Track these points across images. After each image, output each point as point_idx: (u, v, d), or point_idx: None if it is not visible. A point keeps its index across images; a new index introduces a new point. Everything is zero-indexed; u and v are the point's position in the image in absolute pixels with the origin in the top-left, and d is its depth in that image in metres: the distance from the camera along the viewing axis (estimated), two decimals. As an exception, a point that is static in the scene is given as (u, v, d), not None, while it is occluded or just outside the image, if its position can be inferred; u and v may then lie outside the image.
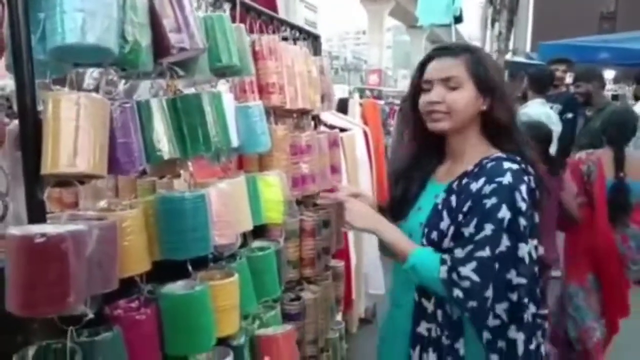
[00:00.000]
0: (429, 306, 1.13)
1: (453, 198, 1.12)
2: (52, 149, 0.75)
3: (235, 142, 1.12)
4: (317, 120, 1.87)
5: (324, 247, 1.59)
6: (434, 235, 1.12)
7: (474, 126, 1.17)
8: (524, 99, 4.52)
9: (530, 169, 1.10)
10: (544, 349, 1.09)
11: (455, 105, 1.12)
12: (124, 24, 0.84)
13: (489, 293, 1.02)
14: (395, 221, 1.23)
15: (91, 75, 0.98)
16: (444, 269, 1.06)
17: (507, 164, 1.08)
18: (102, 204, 0.99)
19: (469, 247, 1.04)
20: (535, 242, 1.07)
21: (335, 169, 1.77)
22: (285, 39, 1.60)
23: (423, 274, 1.10)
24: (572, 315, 2.64)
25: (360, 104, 3.43)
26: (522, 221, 1.04)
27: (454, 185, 1.14)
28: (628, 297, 2.59)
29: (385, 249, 1.29)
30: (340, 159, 1.94)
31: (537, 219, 1.09)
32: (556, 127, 3.76)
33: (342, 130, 2.53)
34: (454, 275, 1.04)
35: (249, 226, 1.17)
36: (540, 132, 2.92)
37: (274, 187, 1.25)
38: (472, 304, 1.03)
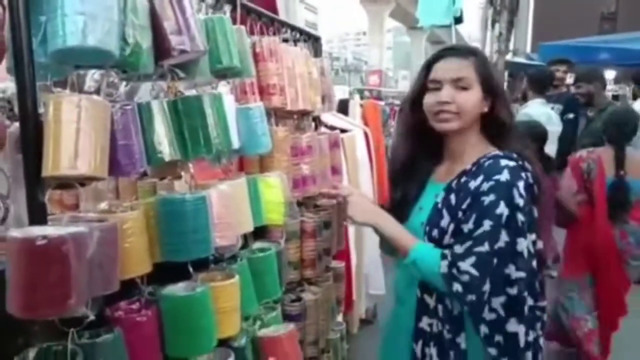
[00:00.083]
0: (431, 302, 1.15)
1: (452, 196, 1.14)
2: (53, 151, 0.75)
3: (236, 143, 1.12)
4: (317, 121, 1.87)
5: (324, 248, 1.59)
6: (435, 233, 1.14)
7: (474, 127, 1.18)
8: (524, 99, 4.52)
9: (527, 166, 1.12)
10: (541, 341, 1.11)
11: (465, 106, 1.13)
12: (124, 27, 0.84)
13: (487, 287, 1.05)
14: (399, 221, 1.23)
15: (92, 77, 0.98)
16: (444, 263, 1.08)
17: (504, 162, 1.10)
18: (103, 205, 0.99)
19: (468, 243, 1.07)
20: (534, 236, 1.09)
21: (336, 170, 1.77)
22: (285, 40, 1.60)
23: (424, 268, 1.12)
24: (565, 307, 2.70)
25: (361, 105, 3.43)
26: (520, 217, 1.06)
27: (453, 184, 1.15)
28: (625, 296, 2.60)
29: (386, 246, 1.32)
30: (341, 160, 1.94)
31: (535, 213, 1.11)
32: (557, 128, 3.77)
33: (343, 131, 2.53)
34: (454, 270, 1.06)
35: (249, 228, 1.17)
36: (535, 131, 2.98)
37: (274, 189, 1.25)
38: (471, 297, 1.05)
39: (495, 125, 1.17)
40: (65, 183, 0.80)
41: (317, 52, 1.86)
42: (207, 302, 0.97)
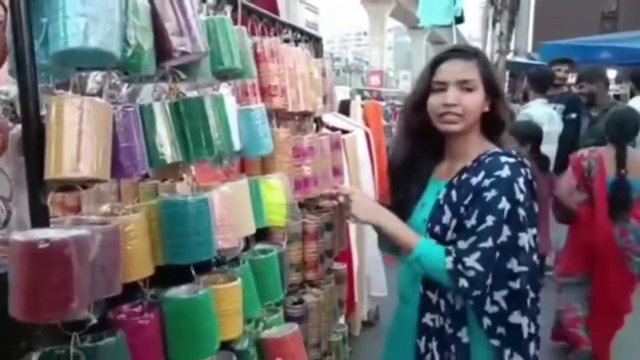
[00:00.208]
0: (434, 297, 1.17)
1: (453, 193, 1.15)
2: (55, 153, 0.75)
3: (237, 145, 1.12)
4: (319, 122, 1.86)
5: (326, 250, 1.59)
6: (437, 229, 1.15)
7: (475, 126, 1.20)
8: (525, 99, 4.51)
9: (526, 162, 1.15)
10: (539, 333, 1.15)
11: (470, 108, 1.15)
12: (126, 28, 0.84)
13: (490, 281, 1.08)
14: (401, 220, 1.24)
15: (94, 79, 0.98)
16: (449, 259, 1.09)
17: (504, 158, 1.12)
18: (105, 208, 0.99)
19: (472, 239, 1.08)
20: (534, 231, 1.12)
21: (337, 171, 1.77)
22: (287, 41, 1.60)
23: (428, 265, 1.13)
24: (561, 293, 2.79)
25: (362, 106, 3.42)
26: (521, 212, 1.08)
27: (454, 181, 1.17)
28: (631, 293, 2.62)
29: (384, 244, 1.34)
30: (342, 161, 1.94)
31: (536, 209, 1.14)
32: (557, 128, 3.77)
33: (344, 132, 2.53)
34: (459, 266, 1.07)
35: (251, 230, 1.16)
36: (532, 131, 3.02)
37: (276, 190, 1.25)
38: (477, 292, 1.07)
39: (495, 125, 1.20)
40: (67, 186, 0.80)
41: (318, 52, 1.86)
42: (209, 304, 0.97)
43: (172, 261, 0.94)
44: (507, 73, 8.41)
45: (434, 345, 1.16)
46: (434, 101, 1.17)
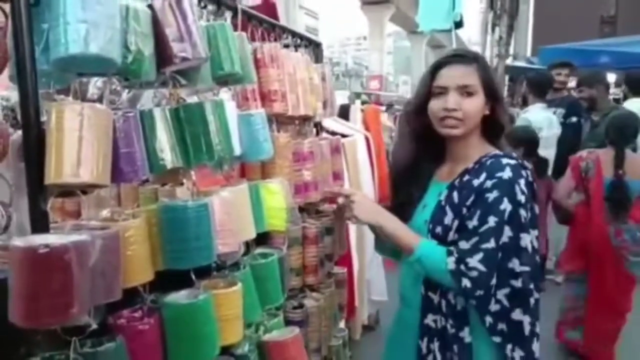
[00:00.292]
0: (435, 298, 1.18)
1: (455, 194, 1.16)
2: (55, 159, 0.75)
3: (237, 150, 1.12)
4: (319, 126, 1.87)
5: (326, 254, 1.59)
6: (439, 230, 1.16)
7: (476, 129, 1.21)
8: (524, 103, 4.52)
9: (526, 164, 1.17)
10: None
11: (470, 112, 1.16)
12: (126, 34, 0.84)
13: (494, 281, 1.09)
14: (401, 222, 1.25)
15: (95, 85, 0.98)
16: (451, 260, 1.10)
17: (505, 160, 1.14)
18: (105, 213, 0.99)
19: (475, 239, 1.09)
20: (536, 232, 1.14)
21: (337, 176, 1.77)
22: (286, 46, 1.61)
23: (429, 265, 1.14)
24: (566, 292, 2.89)
25: (362, 110, 3.43)
26: (523, 212, 1.10)
27: (456, 182, 1.18)
28: (630, 292, 2.66)
29: (383, 247, 1.37)
30: (343, 165, 1.94)
31: (537, 210, 1.16)
32: (557, 131, 3.79)
33: (344, 136, 2.53)
34: (462, 266, 1.08)
35: (252, 234, 1.16)
36: (526, 136, 3.09)
37: (276, 195, 1.25)
38: (480, 292, 1.09)
39: (495, 128, 1.22)
40: (67, 191, 0.80)
41: (318, 57, 1.86)
42: (209, 309, 0.97)
43: (172, 266, 0.94)
44: (507, 77, 8.44)
45: (436, 346, 1.16)
46: (435, 106, 1.19)
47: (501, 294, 1.10)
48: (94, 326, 0.78)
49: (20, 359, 0.79)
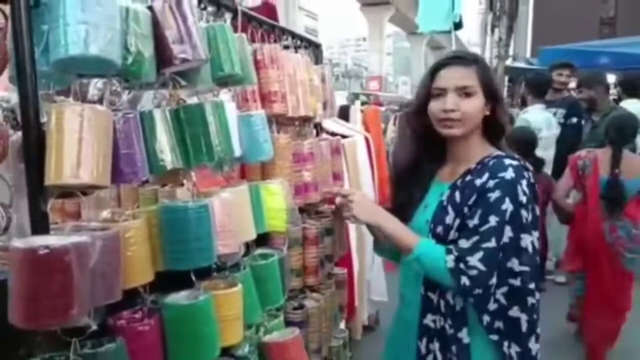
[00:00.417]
0: (434, 298, 1.18)
1: (457, 194, 1.17)
2: (55, 160, 0.75)
3: (237, 151, 1.12)
4: (319, 127, 1.87)
5: (326, 255, 1.58)
6: (440, 229, 1.17)
7: (477, 130, 1.22)
8: (523, 104, 4.53)
9: (528, 166, 1.18)
10: (539, 330, 1.17)
11: (469, 113, 1.17)
12: (127, 35, 0.84)
13: (494, 280, 1.09)
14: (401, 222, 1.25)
15: (95, 85, 0.98)
16: (450, 258, 1.10)
17: (507, 161, 1.15)
18: (105, 214, 0.99)
19: (475, 238, 1.10)
20: (536, 233, 1.14)
21: (337, 176, 1.77)
22: (286, 47, 1.61)
23: (428, 264, 1.14)
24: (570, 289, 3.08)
25: (362, 111, 3.43)
26: (524, 213, 1.10)
27: (458, 182, 1.19)
28: (629, 289, 2.70)
29: (381, 248, 1.37)
30: (342, 166, 1.94)
31: (537, 211, 1.16)
32: (555, 132, 3.81)
33: (344, 137, 2.53)
34: (462, 265, 1.09)
35: (252, 235, 1.16)
36: (524, 137, 3.14)
37: (276, 196, 1.25)
38: (478, 291, 1.09)
39: (495, 129, 1.22)
40: (67, 192, 0.80)
41: (317, 59, 1.86)
42: (209, 310, 0.97)
43: (172, 267, 0.94)
44: (506, 78, 8.44)
45: (435, 346, 1.17)
46: (434, 107, 1.20)
47: (499, 292, 1.11)
48: (94, 327, 0.78)
49: (20, 360, 0.79)
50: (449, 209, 1.16)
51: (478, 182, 1.14)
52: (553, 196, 3.00)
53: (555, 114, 3.96)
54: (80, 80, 0.88)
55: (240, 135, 1.16)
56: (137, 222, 0.89)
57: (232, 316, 1.03)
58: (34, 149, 0.78)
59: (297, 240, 1.48)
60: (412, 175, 1.30)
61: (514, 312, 1.11)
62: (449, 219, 1.16)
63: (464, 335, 1.13)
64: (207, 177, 1.14)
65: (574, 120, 3.96)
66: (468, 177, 1.17)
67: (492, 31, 10.91)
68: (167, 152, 0.92)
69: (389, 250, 1.34)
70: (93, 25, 0.77)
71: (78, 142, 0.75)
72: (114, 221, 0.92)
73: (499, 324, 1.12)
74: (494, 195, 1.10)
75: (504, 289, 1.11)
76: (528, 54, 11.42)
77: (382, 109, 5.05)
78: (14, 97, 1.04)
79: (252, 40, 1.38)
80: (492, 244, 1.08)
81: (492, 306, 1.11)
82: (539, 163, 3.28)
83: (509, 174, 1.11)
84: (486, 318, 1.11)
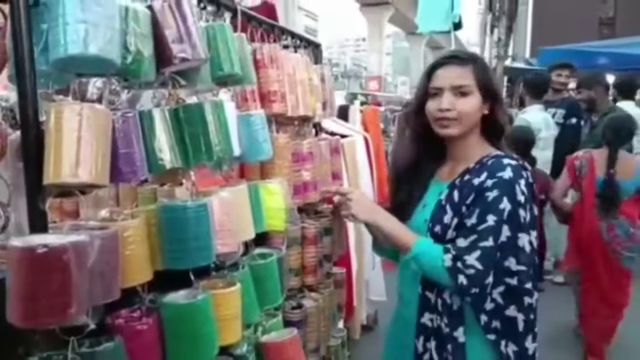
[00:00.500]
0: (432, 297, 1.18)
1: (455, 193, 1.17)
2: (54, 159, 0.75)
3: (237, 150, 1.12)
4: (318, 127, 1.87)
5: (325, 254, 1.59)
6: (438, 229, 1.17)
7: (475, 129, 1.22)
8: (522, 104, 4.53)
9: (527, 165, 1.18)
10: (536, 329, 1.18)
11: (464, 112, 1.17)
12: (126, 35, 0.84)
13: (490, 279, 1.10)
14: (400, 221, 1.25)
15: (94, 85, 0.98)
16: (448, 257, 1.10)
17: (506, 160, 1.15)
18: (104, 213, 0.99)
19: (473, 237, 1.10)
20: (534, 233, 1.14)
21: (336, 176, 1.77)
22: (286, 47, 1.61)
23: (426, 263, 1.14)
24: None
25: (361, 111, 3.43)
26: (522, 213, 1.11)
27: (457, 182, 1.19)
28: (625, 286, 2.75)
29: (380, 247, 1.37)
30: (342, 166, 1.94)
31: (536, 211, 1.16)
32: (553, 132, 3.82)
33: (343, 136, 2.53)
34: (459, 264, 1.09)
35: (251, 235, 1.16)
36: (524, 136, 3.15)
37: (276, 195, 1.25)
38: (475, 290, 1.09)
39: (494, 128, 1.23)
40: (66, 191, 0.80)
41: (317, 58, 1.86)
42: (208, 309, 0.97)
43: (171, 266, 0.94)
44: (505, 78, 8.45)
45: (432, 345, 1.17)
46: (431, 106, 1.20)
47: (496, 292, 1.11)
48: (92, 326, 0.78)
49: (18, 359, 0.79)
50: (447, 208, 1.17)
51: (476, 181, 1.14)
52: (550, 196, 3.03)
53: (554, 114, 3.96)
54: (80, 80, 0.88)
55: (239, 134, 1.16)
56: (136, 221, 0.89)
57: (230, 315, 1.03)
58: (33, 148, 0.78)
59: (296, 240, 1.48)
60: (411, 174, 1.31)
61: (511, 311, 1.12)
62: (447, 218, 1.16)
63: (459, 334, 1.14)
64: (206, 176, 1.14)
65: (573, 120, 3.97)
66: (466, 177, 1.17)
67: (492, 31, 10.92)
68: (166, 152, 0.92)
69: (388, 249, 1.34)
70: (92, 24, 0.77)
71: (77, 141, 0.75)
72: (112, 220, 0.92)
73: (496, 323, 1.12)
74: (492, 195, 1.11)
75: (501, 289, 1.11)
76: (527, 54, 11.42)
77: (382, 109, 5.05)
78: (12, 96, 1.03)
79: (252, 40, 1.38)
80: (489, 243, 1.09)
81: (488, 305, 1.11)
82: (532, 162, 3.32)
83: (507, 174, 1.12)
84: (483, 317, 1.12)
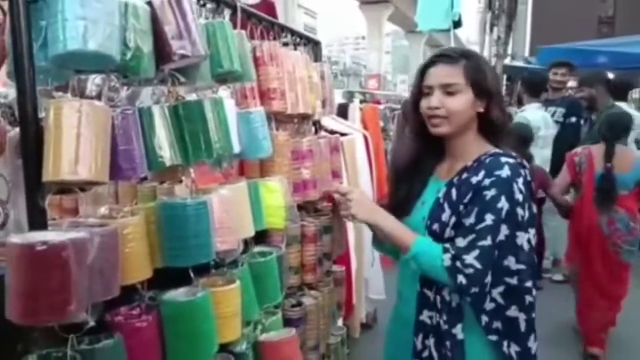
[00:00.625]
0: (431, 294, 1.19)
1: (453, 191, 1.17)
2: (53, 156, 0.75)
3: (236, 148, 1.12)
4: (317, 125, 1.87)
5: (325, 252, 1.58)
6: (436, 226, 1.17)
7: (472, 127, 1.22)
8: (520, 103, 4.53)
9: (525, 163, 1.18)
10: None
11: (453, 110, 1.17)
12: (125, 31, 0.84)
13: (489, 279, 1.10)
14: (398, 218, 1.26)
15: (93, 81, 0.98)
16: (447, 256, 1.10)
17: (504, 159, 1.15)
18: (103, 210, 0.99)
19: (471, 237, 1.10)
20: (533, 231, 1.14)
21: (336, 174, 1.76)
22: (285, 44, 1.60)
23: (425, 262, 1.14)
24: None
25: (361, 109, 3.43)
26: (520, 211, 1.11)
27: (455, 180, 1.19)
28: (624, 280, 2.79)
29: (379, 244, 1.38)
30: (341, 164, 1.94)
31: (534, 209, 1.17)
32: (553, 131, 3.82)
33: (343, 134, 2.53)
34: (458, 263, 1.09)
35: (250, 232, 1.16)
36: (523, 132, 3.16)
37: (275, 193, 1.25)
38: (475, 289, 1.09)
39: (489, 125, 1.22)
40: (65, 188, 0.80)
41: (317, 56, 1.86)
42: (207, 307, 0.97)
43: (170, 264, 0.93)
44: (505, 77, 8.44)
45: (431, 342, 1.17)
46: (424, 104, 1.21)
47: (496, 292, 1.11)
48: (92, 323, 0.78)
49: (17, 356, 0.79)
50: (445, 206, 1.17)
51: (474, 179, 1.14)
52: (549, 191, 3.06)
53: (554, 113, 3.96)
54: (79, 76, 0.87)
55: (239, 132, 1.15)
56: (136, 218, 0.89)
57: (230, 313, 1.03)
58: (32, 145, 0.77)
59: (296, 238, 1.48)
60: (411, 171, 1.31)
61: (512, 311, 1.12)
62: (444, 217, 1.16)
63: (458, 331, 1.14)
64: (205, 173, 1.13)
65: (573, 119, 3.96)
66: (464, 175, 1.17)
67: (491, 30, 10.92)
68: (165, 149, 0.91)
69: (388, 246, 1.34)
70: (92, 20, 0.76)
71: (76, 138, 0.75)
72: (112, 218, 0.91)
73: (497, 324, 1.12)
74: (489, 194, 1.10)
75: (501, 288, 1.11)
76: (527, 53, 11.41)
77: (381, 107, 5.04)
78: (11, 93, 1.03)
79: (252, 37, 1.38)
80: (487, 242, 1.09)
81: (489, 305, 1.11)
82: (529, 159, 3.33)
83: (505, 172, 1.11)
84: (484, 318, 1.12)
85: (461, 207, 1.14)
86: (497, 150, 1.19)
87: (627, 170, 2.70)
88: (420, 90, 1.22)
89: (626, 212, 2.70)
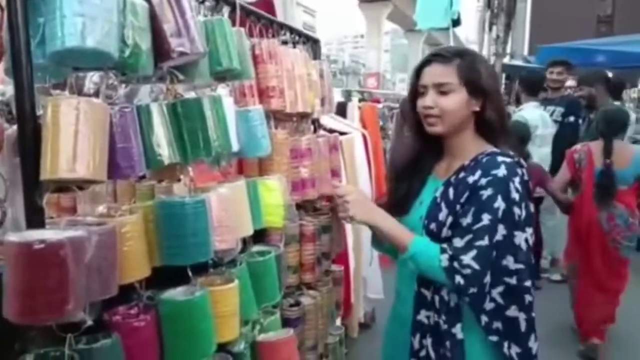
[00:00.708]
0: (428, 294, 1.18)
1: (451, 191, 1.17)
2: (51, 154, 0.74)
3: (235, 146, 1.12)
4: (316, 124, 1.86)
5: (323, 252, 1.58)
6: (433, 226, 1.17)
7: (469, 125, 1.22)
8: (518, 101, 4.54)
9: (522, 162, 1.18)
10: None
11: (446, 110, 1.17)
12: (124, 28, 0.83)
13: (487, 279, 1.10)
14: (396, 217, 1.26)
15: (91, 79, 0.97)
16: (445, 257, 1.10)
17: (501, 158, 1.14)
18: (101, 209, 0.98)
19: (468, 237, 1.10)
20: (530, 230, 1.14)
21: (335, 173, 1.76)
22: (285, 42, 1.60)
23: (423, 262, 1.14)
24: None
25: (359, 108, 3.42)
26: (517, 210, 1.11)
27: (452, 179, 1.19)
28: (622, 275, 2.81)
29: (379, 243, 1.38)
30: (340, 163, 1.93)
31: (532, 208, 1.16)
32: (551, 130, 3.82)
33: (342, 134, 2.53)
34: (456, 264, 1.09)
35: (249, 231, 1.16)
36: (521, 131, 3.24)
37: (274, 192, 1.25)
38: (473, 290, 1.09)
39: (484, 124, 1.21)
40: (63, 186, 0.79)
41: (316, 54, 1.85)
42: (206, 306, 0.96)
43: (169, 262, 0.93)
44: (503, 76, 8.45)
45: (428, 342, 1.17)
46: (419, 104, 1.22)
47: (495, 292, 1.11)
48: (89, 322, 0.77)
49: (14, 355, 0.78)
50: (442, 205, 1.17)
51: (471, 179, 1.14)
52: (548, 188, 3.08)
53: (553, 112, 3.97)
54: (77, 74, 0.87)
55: (237, 130, 1.15)
56: (134, 217, 0.89)
57: (228, 312, 1.03)
58: (30, 143, 0.77)
59: (294, 237, 1.48)
60: (410, 170, 1.31)
61: (512, 311, 1.12)
62: (442, 216, 1.16)
63: (457, 330, 1.14)
64: (204, 172, 1.13)
65: (572, 119, 3.97)
66: (461, 174, 1.17)
67: (490, 29, 10.90)
68: (164, 147, 0.91)
69: (387, 245, 1.34)
70: (90, 17, 0.76)
71: (74, 136, 0.75)
72: (110, 216, 0.91)
73: (497, 324, 1.12)
74: (486, 193, 1.10)
75: (500, 289, 1.11)
76: (526, 52, 11.42)
77: (380, 105, 5.04)
78: (9, 90, 1.02)
79: (251, 35, 1.37)
80: (485, 242, 1.09)
81: (488, 306, 1.11)
82: (526, 156, 3.35)
83: (502, 172, 1.11)
84: (484, 318, 1.11)
85: (458, 207, 1.14)
86: (495, 149, 1.19)
87: (626, 165, 2.72)
88: (416, 90, 1.23)
89: (625, 208, 2.72)
